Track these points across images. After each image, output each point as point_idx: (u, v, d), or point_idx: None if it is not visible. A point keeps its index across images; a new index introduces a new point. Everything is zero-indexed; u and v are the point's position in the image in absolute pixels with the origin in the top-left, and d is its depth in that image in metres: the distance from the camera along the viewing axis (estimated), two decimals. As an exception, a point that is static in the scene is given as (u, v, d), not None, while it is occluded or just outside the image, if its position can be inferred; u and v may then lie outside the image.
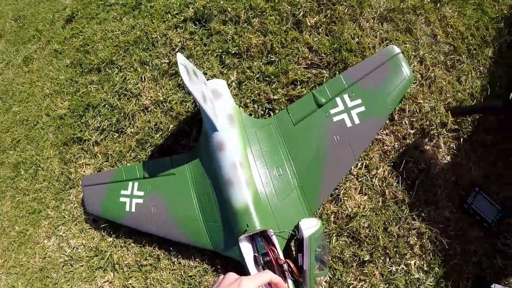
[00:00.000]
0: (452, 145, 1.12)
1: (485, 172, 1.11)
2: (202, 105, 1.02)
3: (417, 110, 1.13)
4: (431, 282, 1.06)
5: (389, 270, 1.08)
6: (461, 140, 1.12)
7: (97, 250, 1.29)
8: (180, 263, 1.19)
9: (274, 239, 1.03)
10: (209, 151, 1.09)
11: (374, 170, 1.12)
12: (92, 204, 1.27)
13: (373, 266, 1.08)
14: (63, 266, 1.34)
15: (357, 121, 1.08)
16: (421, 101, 1.14)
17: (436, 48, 1.18)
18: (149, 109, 1.30)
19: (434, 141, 1.12)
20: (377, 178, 1.12)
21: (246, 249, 1.04)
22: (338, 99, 1.10)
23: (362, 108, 1.08)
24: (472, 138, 1.12)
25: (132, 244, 1.25)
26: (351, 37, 1.20)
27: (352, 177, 1.13)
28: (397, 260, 1.08)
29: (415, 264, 1.07)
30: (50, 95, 1.54)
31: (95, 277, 1.28)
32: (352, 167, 1.13)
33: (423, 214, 1.09)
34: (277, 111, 1.18)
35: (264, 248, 1.04)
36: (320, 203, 1.09)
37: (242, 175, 1.04)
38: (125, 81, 1.36)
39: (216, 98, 1.11)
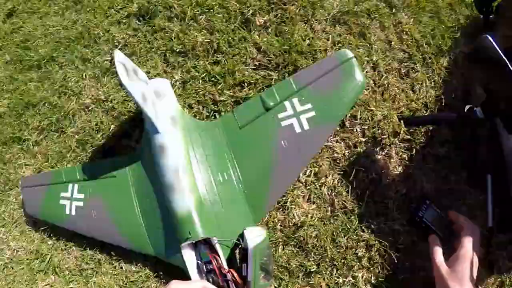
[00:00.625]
0: (404, 155, 1.06)
1: (436, 185, 1.06)
2: (141, 105, 0.94)
3: (369, 118, 1.07)
4: (377, 296, 1.02)
5: (336, 281, 1.02)
6: (414, 151, 1.06)
7: (38, 253, 1.20)
8: (122, 267, 1.11)
9: (218, 247, 0.96)
10: (150, 154, 1.00)
11: (323, 178, 1.06)
12: (31, 206, 1.17)
13: (319, 277, 1.03)
14: (4, 268, 1.24)
15: (306, 126, 1.00)
16: (373, 109, 1.08)
17: (390, 54, 1.12)
18: (90, 108, 1.20)
19: (385, 151, 1.07)
20: (326, 187, 1.06)
21: (189, 257, 0.97)
22: (287, 103, 1.02)
23: (312, 113, 1.01)
24: (425, 150, 1.07)
25: (73, 248, 1.16)
26: (302, 38, 1.12)
27: (300, 184, 1.07)
28: (345, 272, 1.03)
29: (362, 276, 1.02)
30: (-12, 93, 1.41)
31: (36, 280, 1.19)
32: (301, 174, 1.06)
33: (372, 226, 1.04)
34: (223, 113, 1.10)
35: (207, 256, 0.97)
36: (266, 211, 1.03)
37: (184, 181, 0.96)
38: (66, 79, 1.25)
39: (158, 98, 1.02)
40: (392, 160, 1.06)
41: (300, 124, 1.01)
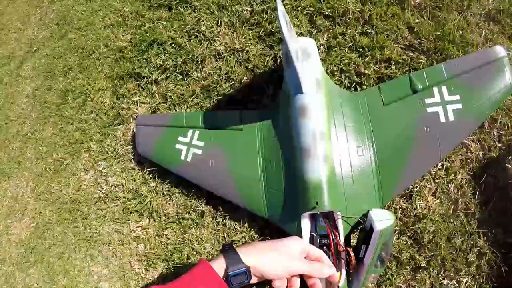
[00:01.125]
0: (534, 172, 0.96)
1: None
2: (294, 60, 0.86)
3: (509, 124, 0.98)
4: (474, 306, 0.93)
5: (440, 282, 0.94)
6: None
7: (137, 193, 1.14)
8: (225, 224, 1.05)
9: (340, 223, 0.88)
10: (288, 114, 0.93)
11: (453, 175, 0.97)
12: (144, 145, 1.10)
13: (426, 274, 0.95)
14: (96, 202, 1.19)
15: (451, 118, 0.91)
16: (514, 116, 0.98)
17: (536, 65, 1.02)
18: (222, 55, 1.12)
19: (515, 162, 0.97)
20: (453, 184, 0.97)
21: (305, 227, 0.90)
22: (435, 89, 0.93)
23: (459, 106, 0.92)
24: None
25: (177, 195, 1.10)
26: (456, 28, 1.02)
27: (430, 176, 0.98)
28: (451, 274, 0.94)
29: (466, 283, 0.93)
30: (111, 26, 1.33)
31: (128, 220, 1.14)
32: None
33: (489, 234, 0.94)
34: (364, 87, 1.02)
35: (324, 230, 0.89)
36: (394, 195, 0.95)
37: (321, 147, 0.88)
38: (199, 23, 1.17)
39: (305, 58, 0.94)
40: (522, 173, 0.97)
41: (446, 114, 0.92)
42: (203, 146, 1.02)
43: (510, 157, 0.98)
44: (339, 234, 0.88)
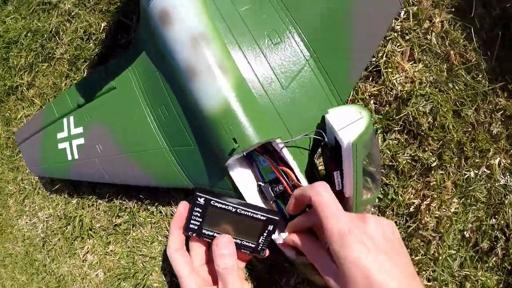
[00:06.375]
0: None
1: None
2: None
3: None
4: (523, 189, 0.44)
5: (466, 176, 0.46)
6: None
7: (66, 217, 0.68)
8: (160, 212, 0.58)
9: (286, 154, 0.40)
10: (152, 31, 0.44)
11: (428, 21, 0.47)
12: (32, 163, 0.62)
13: (442, 174, 0.46)
14: (43, 244, 0.73)
15: None
16: None
17: None
18: (73, 14, 0.62)
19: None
20: (434, 33, 0.46)
21: (244, 177, 0.43)
22: None
23: None
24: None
25: (99, 201, 0.64)
26: None
27: (395, 34, 0.47)
28: (476, 160, 0.45)
29: (499, 164, 0.45)
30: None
31: (75, 250, 0.68)
32: (393, 20, 0.46)
33: (509, 86, 0.44)
34: None
35: (271, 171, 0.41)
36: (353, 81, 0.44)
37: (209, 55, 0.39)
38: (41, -7, 0.67)
39: None
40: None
41: None
42: (83, 132, 0.54)
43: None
44: (293, 170, 0.40)
